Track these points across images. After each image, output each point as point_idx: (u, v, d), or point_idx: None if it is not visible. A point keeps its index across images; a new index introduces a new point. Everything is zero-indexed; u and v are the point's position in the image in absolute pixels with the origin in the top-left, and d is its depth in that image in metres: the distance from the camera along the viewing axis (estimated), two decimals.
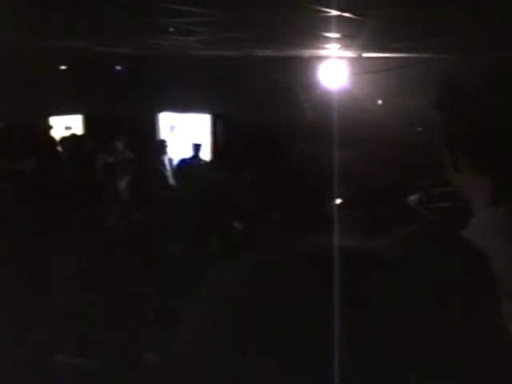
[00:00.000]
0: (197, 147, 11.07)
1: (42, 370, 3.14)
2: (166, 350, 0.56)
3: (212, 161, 11.65)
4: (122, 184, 8.33)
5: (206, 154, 11.75)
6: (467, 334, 0.51)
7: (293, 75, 10.92)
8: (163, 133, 12.79)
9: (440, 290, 0.52)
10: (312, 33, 7.10)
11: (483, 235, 1.04)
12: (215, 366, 0.51)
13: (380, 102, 10.95)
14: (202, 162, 11.01)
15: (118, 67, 12.59)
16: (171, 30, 7.04)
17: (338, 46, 8.65)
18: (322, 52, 9.77)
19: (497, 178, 1.10)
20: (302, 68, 10.86)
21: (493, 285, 0.56)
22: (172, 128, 12.98)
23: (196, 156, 11.01)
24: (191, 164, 10.74)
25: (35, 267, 3.84)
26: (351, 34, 6.95)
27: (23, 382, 3.04)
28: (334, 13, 5.43)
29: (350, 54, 9.85)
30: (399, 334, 0.49)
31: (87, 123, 12.69)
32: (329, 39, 7.82)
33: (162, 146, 10.98)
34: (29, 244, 4.21)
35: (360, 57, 10.15)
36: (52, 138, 9.64)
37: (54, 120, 12.24)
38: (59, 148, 9.86)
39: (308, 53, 10.09)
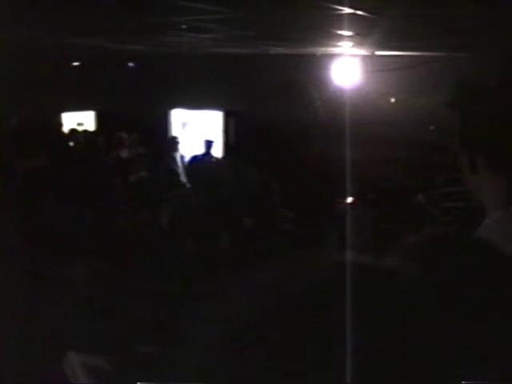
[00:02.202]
0: (209, 144, 11.07)
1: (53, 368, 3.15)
2: (179, 350, 0.56)
3: (224, 158, 11.65)
4: (134, 180, 8.35)
5: (217, 151, 11.75)
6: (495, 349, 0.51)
7: (305, 73, 10.90)
8: (175, 129, 12.81)
9: (467, 298, 0.52)
10: (325, 30, 7.09)
11: (496, 235, 1.03)
12: (229, 369, 0.51)
13: (393, 100, 10.91)
14: (213, 159, 11.01)
15: (131, 64, 12.61)
16: (184, 27, 7.05)
17: (351, 43, 8.63)
18: (334, 50, 9.76)
19: None
20: (315, 66, 10.84)
21: None
22: (184, 125, 12.99)
23: (208, 153, 11.00)
24: (203, 161, 10.74)
25: (47, 264, 3.86)
26: (364, 32, 6.94)
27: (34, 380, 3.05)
28: (347, 11, 5.42)
29: (363, 51, 9.82)
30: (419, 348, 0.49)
31: (99, 120, 12.72)
32: (342, 37, 7.80)
33: (173, 142, 10.98)
34: (40, 240, 4.23)
35: (373, 55, 10.12)
36: (64, 135, 9.68)
37: (66, 116, 12.29)
38: (71, 144, 9.90)
39: (321, 50, 10.07)
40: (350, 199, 6.27)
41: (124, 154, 9.95)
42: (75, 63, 12.03)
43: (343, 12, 5.49)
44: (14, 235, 3.95)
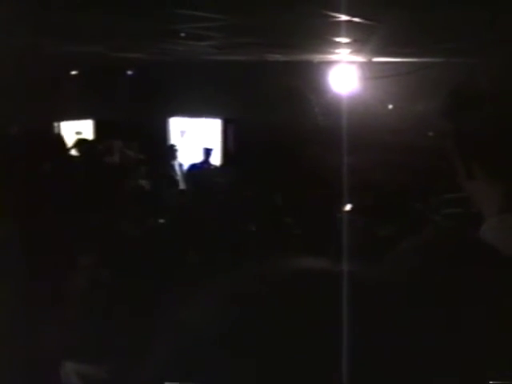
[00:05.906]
0: (207, 152, 11.08)
1: (52, 375, 3.15)
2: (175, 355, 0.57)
3: (222, 165, 11.66)
4: (133, 188, 8.34)
5: (216, 159, 11.75)
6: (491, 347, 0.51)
7: (303, 80, 10.92)
8: (173, 137, 12.81)
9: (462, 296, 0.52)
10: (322, 37, 7.10)
11: (494, 242, 1.04)
12: (225, 369, 0.52)
13: (390, 106, 10.93)
14: (212, 167, 11.02)
15: (130, 72, 12.61)
16: (183, 34, 7.06)
17: (349, 50, 8.64)
18: (332, 57, 9.77)
19: (509, 185, 1.10)
20: (313, 73, 10.85)
21: None
22: (182, 133, 13.00)
23: (206, 161, 11.02)
24: (201, 169, 10.75)
25: (48, 270, 3.86)
26: (361, 39, 6.95)
27: None
28: (344, 18, 5.43)
29: (360, 58, 9.84)
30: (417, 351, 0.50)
31: (98, 128, 12.71)
32: (339, 44, 7.82)
33: (172, 150, 10.99)
34: (43, 245, 4.23)
35: (370, 61, 10.13)
36: (64, 143, 9.67)
37: (64, 125, 12.28)
38: (71, 153, 9.89)
39: (318, 57, 10.09)
40: (347, 206, 6.27)
41: (122, 162, 9.94)
42: (73, 71, 12.04)
43: (340, 19, 5.50)
44: (16, 241, 3.95)
